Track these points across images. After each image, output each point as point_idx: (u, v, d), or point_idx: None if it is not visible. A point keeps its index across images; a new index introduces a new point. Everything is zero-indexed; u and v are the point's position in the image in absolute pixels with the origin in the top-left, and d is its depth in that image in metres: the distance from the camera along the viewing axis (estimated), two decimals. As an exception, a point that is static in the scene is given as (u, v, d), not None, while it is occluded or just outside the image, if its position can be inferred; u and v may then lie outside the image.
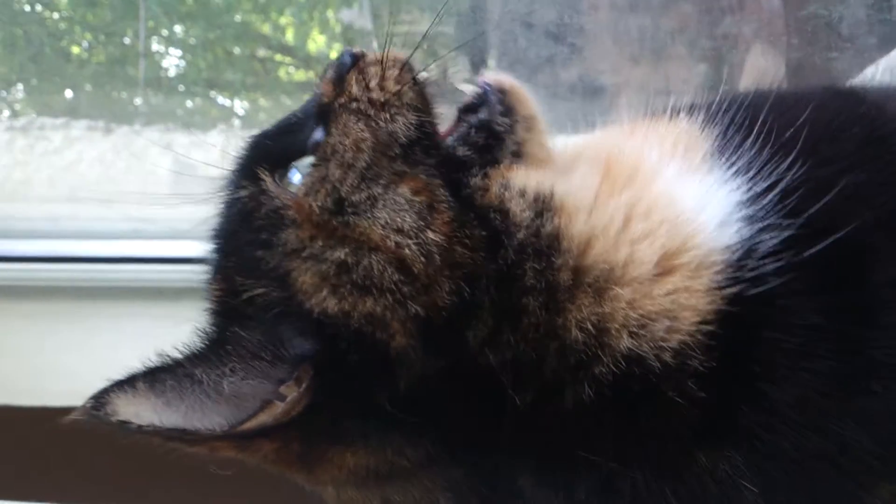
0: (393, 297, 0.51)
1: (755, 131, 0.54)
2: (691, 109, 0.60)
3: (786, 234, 0.51)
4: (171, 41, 1.56)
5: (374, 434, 0.53)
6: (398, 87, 0.59)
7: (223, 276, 0.58)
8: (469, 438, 0.53)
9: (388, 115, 0.57)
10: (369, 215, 0.53)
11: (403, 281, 0.51)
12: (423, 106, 0.59)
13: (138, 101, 1.52)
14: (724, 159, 0.55)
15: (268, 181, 0.57)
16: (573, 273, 0.52)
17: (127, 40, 1.52)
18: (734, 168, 0.54)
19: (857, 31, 0.96)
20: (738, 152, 0.54)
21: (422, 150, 0.56)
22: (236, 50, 1.59)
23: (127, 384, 0.50)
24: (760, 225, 0.51)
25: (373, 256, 0.52)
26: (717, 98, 0.58)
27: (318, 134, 0.58)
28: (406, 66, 0.60)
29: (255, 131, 0.64)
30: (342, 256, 0.52)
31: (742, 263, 0.51)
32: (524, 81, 0.63)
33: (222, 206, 0.61)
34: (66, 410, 0.48)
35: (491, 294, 0.51)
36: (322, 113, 0.59)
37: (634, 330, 0.50)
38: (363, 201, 0.54)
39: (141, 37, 1.51)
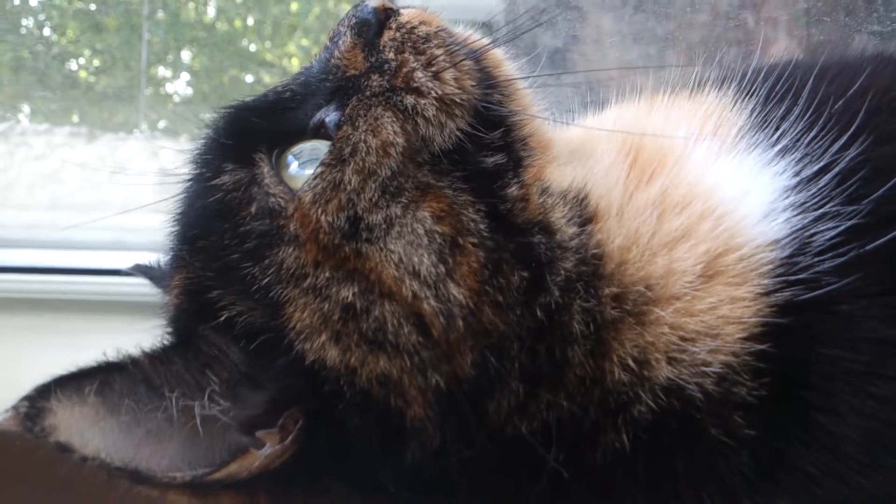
0: (412, 360, 0.38)
1: (801, 104, 0.41)
2: (720, 82, 0.47)
3: (847, 223, 0.38)
4: (177, 67, 1.46)
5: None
6: (472, 85, 0.43)
7: (193, 281, 0.43)
8: None
9: (443, 118, 0.42)
10: (382, 245, 0.39)
11: (422, 344, 0.38)
12: (487, 111, 0.43)
13: (144, 125, 1.42)
14: (763, 136, 0.41)
15: (265, 170, 0.42)
16: (616, 302, 0.39)
17: (133, 65, 1.43)
18: (778, 147, 0.41)
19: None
20: (782, 128, 0.41)
21: (450, 162, 0.41)
22: (242, 76, 1.49)
23: (73, 388, 0.37)
24: (815, 214, 0.39)
25: (386, 305, 0.39)
26: (752, 67, 0.44)
27: (330, 115, 0.43)
28: (481, 56, 0.44)
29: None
30: (350, 297, 0.39)
31: (793, 261, 0.39)
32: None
33: (192, 188, 0.45)
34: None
35: (523, 359, 0.39)
36: (344, 89, 0.43)
37: (674, 355, 0.38)
38: (378, 224, 0.40)
39: (143, 57, 1.41)
